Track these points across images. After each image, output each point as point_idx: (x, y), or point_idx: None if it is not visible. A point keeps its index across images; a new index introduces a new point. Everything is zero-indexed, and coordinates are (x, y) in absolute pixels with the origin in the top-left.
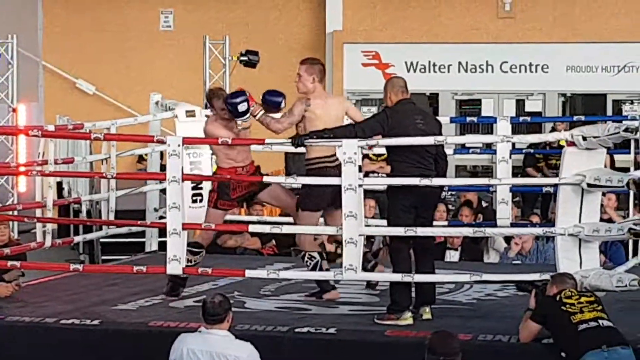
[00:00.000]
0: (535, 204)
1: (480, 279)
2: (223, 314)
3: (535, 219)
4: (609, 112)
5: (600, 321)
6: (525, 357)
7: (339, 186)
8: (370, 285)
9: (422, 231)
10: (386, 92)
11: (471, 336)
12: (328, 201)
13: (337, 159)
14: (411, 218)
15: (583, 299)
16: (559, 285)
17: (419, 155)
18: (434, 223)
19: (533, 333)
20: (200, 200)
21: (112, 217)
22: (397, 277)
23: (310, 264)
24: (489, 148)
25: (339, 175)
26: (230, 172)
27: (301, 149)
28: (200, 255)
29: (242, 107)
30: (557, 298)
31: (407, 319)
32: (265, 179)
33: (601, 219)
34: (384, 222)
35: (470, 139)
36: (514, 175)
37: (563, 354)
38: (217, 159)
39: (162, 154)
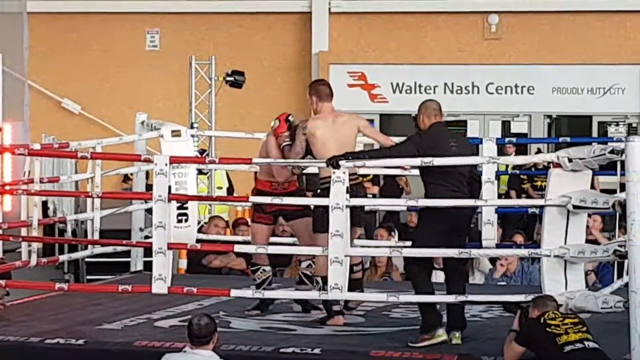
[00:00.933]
0: (518, 225)
1: (466, 300)
2: (209, 336)
3: (519, 238)
4: (595, 133)
5: (586, 342)
6: None
7: (353, 206)
8: (347, 307)
9: (407, 252)
10: (420, 114)
11: (456, 357)
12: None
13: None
14: (440, 241)
15: (567, 321)
16: (540, 308)
17: (454, 178)
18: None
19: (517, 355)
20: (186, 220)
21: (97, 236)
22: (383, 297)
23: (318, 287)
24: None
25: (352, 194)
26: (264, 185)
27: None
28: (260, 271)
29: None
30: (541, 320)
31: (441, 335)
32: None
33: (587, 241)
34: (369, 242)
35: (455, 161)
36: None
37: None
38: (259, 174)
39: (147, 174)
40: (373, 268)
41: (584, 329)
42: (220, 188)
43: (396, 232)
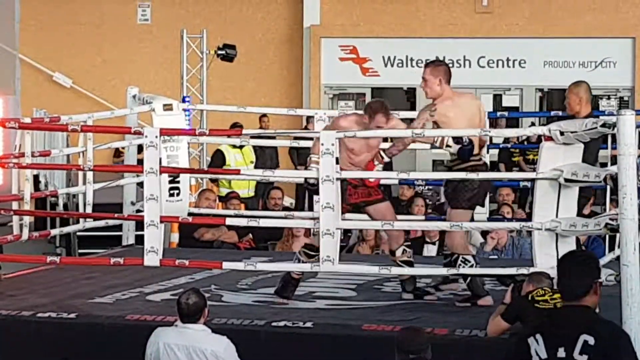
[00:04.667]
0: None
1: (458, 273)
2: (198, 314)
3: (506, 209)
4: None
5: None
6: (500, 352)
7: (488, 185)
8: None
9: (398, 225)
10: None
11: (447, 331)
12: (481, 199)
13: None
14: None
15: (556, 296)
16: (535, 284)
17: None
18: (412, 217)
19: (501, 330)
20: (177, 194)
21: (89, 210)
22: (374, 270)
23: (464, 267)
24: None
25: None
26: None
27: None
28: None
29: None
30: (530, 297)
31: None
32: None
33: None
34: (361, 215)
35: (447, 133)
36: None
37: None
38: (340, 161)
39: (139, 148)
40: (362, 242)
41: None
42: (252, 162)
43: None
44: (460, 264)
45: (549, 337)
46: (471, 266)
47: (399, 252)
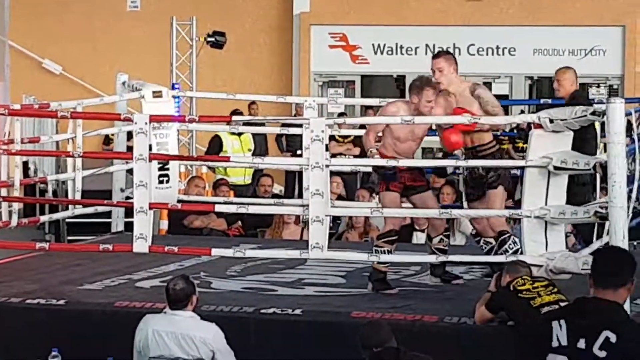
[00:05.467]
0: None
1: (447, 259)
2: (185, 300)
3: None
4: None
5: (561, 303)
6: (490, 339)
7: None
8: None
9: (388, 212)
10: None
11: (437, 318)
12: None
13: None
14: None
15: (537, 284)
16: (512, 274)
17: None
18: (404, 205)
19: (487, 319)
20: (167, 181)
21: (78, 196)
22: (364, 257)
23: (512, 247)
24: None
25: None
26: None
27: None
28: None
29: None
30: (511, 288)
31: None
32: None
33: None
34: (350, 203)
35: (437, 120)
36: None
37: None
38: (382, 143)
39: (128, 135)
40: (351, 229)
41: (556, 290)
42: (250, 150)
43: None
44: (510, 245)
45: (572, 326)
46: (518, 249)
47: (436, 241)
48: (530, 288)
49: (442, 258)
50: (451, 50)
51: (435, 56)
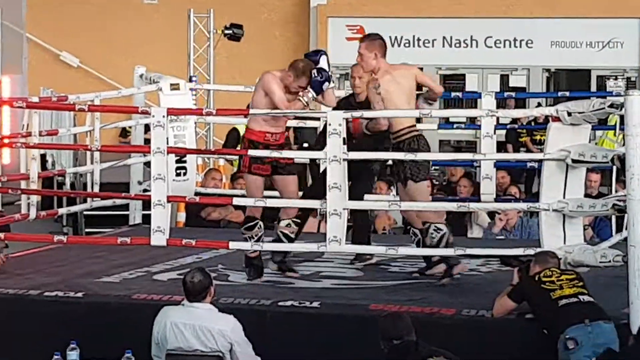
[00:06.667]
0: (520, 180)
1: (464, 253)
2: (203, 292)
3: (513, 189)
4: (593, 87)
5: (581, 297)
6: (507, 332)
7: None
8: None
9: (405, 205)
10: None
11: (454, 311)
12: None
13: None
14: None
15: (564, 277)
16: (541, 264)
17: None
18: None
19: (507, 310)
20: (184, 174)
21: (96, 189)
22: (382, 249)
23: (435, 236)
24: (472, 123)
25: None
26: (258, 135)
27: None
28: (257, 227)
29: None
30: (537, 278)
31: None
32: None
33: (589, 196)
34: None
35: (454, 113)
36: (497, 150)
37: (545, 331)
38: (250, 119)
39: (146, 128)
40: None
41: (580, 284)
42: None
43: (395, 185)
44: (432, 233)
45: None
46: (443, 234)
47: (283, 224)
48: (555, 280)
49: (460, 252)
50: (468, 42)
51: (360, 40)
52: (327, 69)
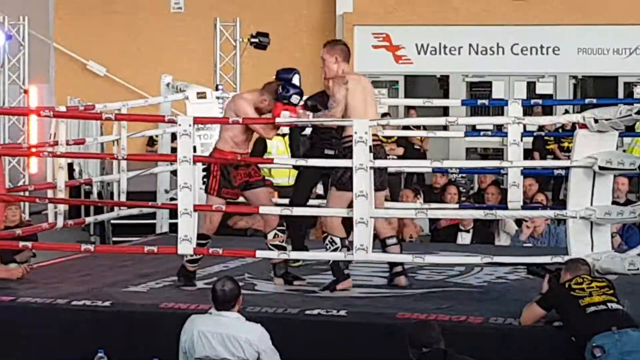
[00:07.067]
0: (547, 187)
1: (492, 261)
2: (233, 301)
3: (541, 197)
4: (620, 94)
5: (609, 304)
6: (535, 340)
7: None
8: None
9: (432, 213)
10: None
11: (482, 319)
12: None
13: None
14: None
15: (594, 284)
16: (572, 272)
17: None
18: (445, 205)
19: (536, 317)
20: None
21: (123, 198)
22: (408, 258)
23: (329, 247)
24: (499, 130)
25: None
26: (231, 155)
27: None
28: (208, 244)
29: (294, 100)
30: (567, 285)
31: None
32: (276, 160)
33: (616, 202)
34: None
35: (481, 121)
36: (524, 158)
37: (573, 338)
38: (219, 140)
39: (173, 137)
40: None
41: (610, 292)
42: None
43: (422, 193)
44: (327, 244)
45: None
46: (336, 248)
47: (270, 236)
48: (585, 287)
49: (488, 260)
50: (495, 50)
51: (323, 46)
52: (299, 85)
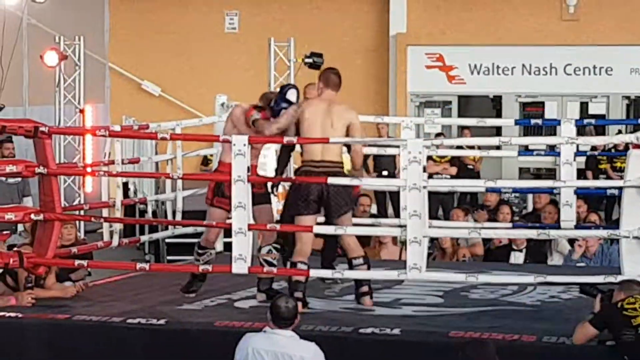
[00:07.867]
0: (600, 207)
1: (545, 281)
2: (293, 319)
3: (593, 217)
4: None
5: None
6: (588, 359)
7: (322, 192)
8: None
9: (485, 233)
10: None
11: (535, 338)
12: (313, 207)
13: (326, 165)
14: None
15: None
16: (626, 291)
17: None
18: (498, 224)
19: (588, 336)
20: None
21: (178, 217)
22: (461, 277)
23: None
24: (552, 150)
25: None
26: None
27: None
28: (207, 255)
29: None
30: (619, 305)
31: None
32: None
33: None
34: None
35: (534, 141)
36: (577, 178)
37: (625, 357)
38: (222, 152)
39: None
40: (439, 250)
41: None
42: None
43: (472, 212)
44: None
45: None
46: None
47: (264, 250)
48: (637, 307)
49: (541, 279)
50: (547, 70)
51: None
52: (294, 101)
